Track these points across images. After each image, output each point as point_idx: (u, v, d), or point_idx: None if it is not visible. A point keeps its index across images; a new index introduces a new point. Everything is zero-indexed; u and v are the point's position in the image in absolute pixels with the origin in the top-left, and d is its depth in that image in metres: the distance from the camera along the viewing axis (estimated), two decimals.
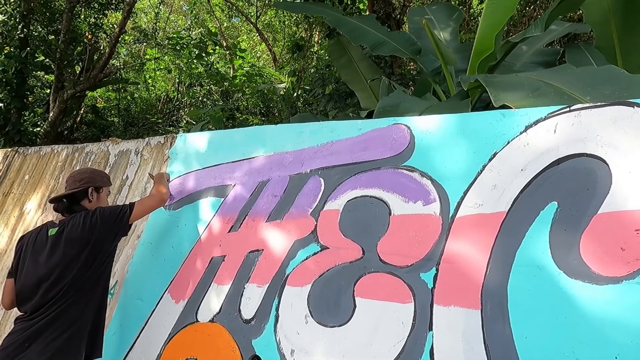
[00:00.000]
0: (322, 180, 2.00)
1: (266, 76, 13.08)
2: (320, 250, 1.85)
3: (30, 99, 10.67)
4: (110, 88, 14.29)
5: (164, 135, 2.89)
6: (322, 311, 1.73)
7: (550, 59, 4.00)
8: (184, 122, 12.87)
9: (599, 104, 1.46)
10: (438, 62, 3.90)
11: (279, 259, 1.95)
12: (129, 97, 15.49)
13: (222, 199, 2.33)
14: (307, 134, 2.17)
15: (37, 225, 3.40)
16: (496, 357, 1.32)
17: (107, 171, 3.12)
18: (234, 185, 2.33)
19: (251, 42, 18.37)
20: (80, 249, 1.95)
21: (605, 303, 1.22)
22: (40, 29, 10.47)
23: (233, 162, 2.40)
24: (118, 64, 14.26)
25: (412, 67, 6.34)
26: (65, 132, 12.37)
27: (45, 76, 11.97)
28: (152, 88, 16.55)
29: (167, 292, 2.28)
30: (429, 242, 1.59)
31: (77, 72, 11.08)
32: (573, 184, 1.39)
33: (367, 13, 8.24)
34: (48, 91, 11.33)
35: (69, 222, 2.01)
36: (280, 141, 2.26)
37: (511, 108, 2.05)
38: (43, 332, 1.83)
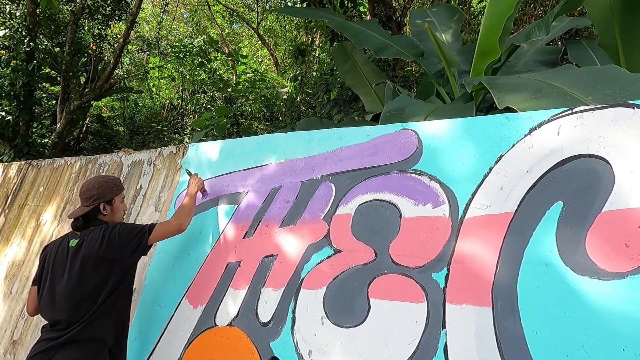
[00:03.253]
0: (333, 186, 2.06)
1: (269, 81, 13.20)
2: (334, 254, 1.91)
3: (37, 110, 10.82)
4: (115, 97, 14.43)
5: (176, 145, 2.97)
6: (337, 312, 1.79)
7: (552, 57, 4.05)
8: (189, 129, 12.99)
9: (600, 105, 1.51)
10: (441, 65, 3.96)
11: (293, 263, 2.01)
12: (133, 106, 15.63)
13: (236, 206, 2.39)
14: (317, 141, 2.23)
15: (54, 236, 3.49)
16: (508, 352, 1.38)
17: None
18: (247, 192, 2.40)
19: (253, 47, 18.51)
20: (97, 264, 1.99)
21: (612, 298, 1.27)
22: (46, 42, 10.63)
23: (245, 169, 2.47)
24: (122, 73, 14.42)
25: (414, 69, 6.40)
26: (72, 143, 12.52)
27: (51, 87, 12.14)
28: (156, 96, 16.70)
29: (184, 298, 2.35)
30: (439, 243, 1.65)
31: (82, 82, 11.23)
32: (577, 184, 1.44)
33: (367, 16, 8.31)
34: (54, 102, 11.49)
35: (89, 234, 2.05)
36: (290, 148, 2.32)
37: (515, 109, 2.11)
38: (66, 344, 1.90)
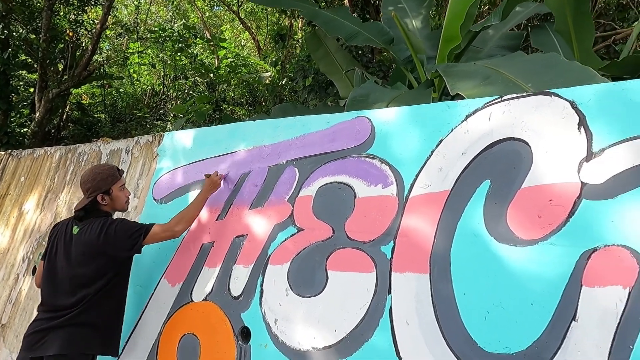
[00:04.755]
0: (296, 170, 2.23)
1: (251, 65, 13.14)
2: (297, 232, 2.09)
3: (14, 99, 10.67)
4: (95, 84, 14.21)
5: (152, 134, 3.09)
6: (299, 284, 1.99)
7: (514, 42, 4.24)
8: (171, 116, 12.93)
9: (524, 94, 1.70)
10: (409, 51, 4.11)
11: (261, 242, 2.19)
12: (114, 93, 15.42)
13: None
14: (282, 128, 2.39)
15: (37, 224, 3.61)
16: (441, 311, 1.58)
17: None
18: None
19: (234, 30, 18.29)
20: (93, 255, 2.12)
21: (526, 261, 1.48)
22: (21, 29, 10.42)
23: (217, 156, 2.62)
24: (101, 59, 14.15)
25: (390, 54, 6.53)
26: (52, 131, 12.39)
27: (28, 75, 11.93)
28: (137, 82, 16.46)
29: (163, 277, 2.52)
30: (387, 219, 1.84)
31: (60, 70, 11.07)
32: (503, 164, 1.64)
33: (346, 1, 8.36)
34: (32, 90, 11.31)
35: (89, 225, 2.16)
36: (258, 136, 2.48)
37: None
38: (58, 327, 2.05)
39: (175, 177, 2.76)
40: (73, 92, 12.34)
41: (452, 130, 1.81)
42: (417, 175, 1.83)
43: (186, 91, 13.34)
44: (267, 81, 10.75)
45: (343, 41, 4.59)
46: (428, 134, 1.87)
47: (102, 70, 12.70)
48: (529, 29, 5.52)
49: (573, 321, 1.34)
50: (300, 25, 11.70)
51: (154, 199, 2.81)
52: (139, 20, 15.36)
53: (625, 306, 1.27)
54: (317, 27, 4.49)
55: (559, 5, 3.55)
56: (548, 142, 1.56)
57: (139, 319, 2.50)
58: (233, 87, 12.01)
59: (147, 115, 13.72)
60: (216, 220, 2.45)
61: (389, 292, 1.73)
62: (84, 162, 3.53)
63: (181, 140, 2.88)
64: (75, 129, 12.96)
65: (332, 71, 4.56)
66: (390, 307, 1.70)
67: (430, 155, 1.82)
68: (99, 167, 2.30)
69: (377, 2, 8.32)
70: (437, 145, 1.82)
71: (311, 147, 2.23)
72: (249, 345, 2.03)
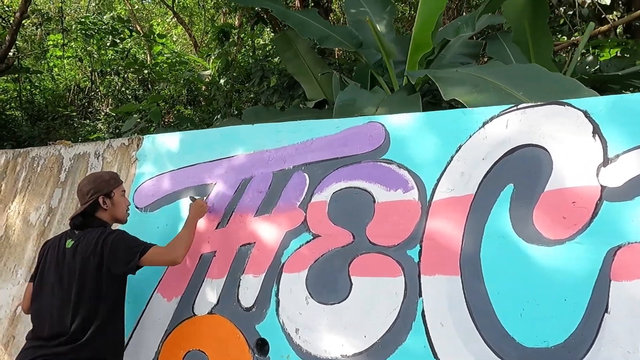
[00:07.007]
0: (306, 175, 2.19)
1: (189, 63, 12.61)
2: (313, 239, 2.06)
3: None
4: (5, 78, 12.70)
5: (128, 137, 2.86)
6: (321, 292, 1.96)
7: (475, 50, 4.52)
8: (102, 114, 12.00)
9: (539, 103, 1.82)
10: (379, 55, 4.21)
11: (272, 249, 2.12)
12: (28, 87, 13.92)
13: (204, 198, 2.42)
14: (285, 133, 2.34)
15: None
16: (476, 311, 1.65)
17: (63, 176, 3.00)
18: (215, 183, 2.43)
19: (166, 25, 17.43)
20: (90, 270, 1.90)
21: (554, 259, 1.59)
22: None
23: (211, 161, 2.48)
24: (15, 51, 12.69)
25: (339, 54, 6.64)
26: None
27: None
28: (59, 77, 14.99)
29: (156, 291, 2.34)
30: (411, 223, 1.87)
31: None
32: (524, 169, 1.75)
33: (295, 1, 8.33)
34: None
35: (85, 237, 1.95)
36: (258, 140, 2.39)
37: (460, 102, 2.40)
38: (55, 355, 1.82)
39: (161, 184, 2.57)
40: None
41: (470, 136, 1.89)
42: (438, 180, 1.89)
43: (118, 89, 12.44)
44: (207, 79, 10.40)
45: (310, 42, 4.59)
46: (446, 140, 1.93)
47: (17, 63, 11.42)
48: (473, 38, 5.93)
49: (606, 313, 1.47)
50: (237, 23, 11.39)
51: (137, 207, 2.60)
52: (62, 10, 14.00)
53: None
54: (287, 28, 4.43)
55: (517, 18, 3.86)
56: (566, 148, 1.69)
57: (130, 339, 2.30)
58: (171, 85, 11.47)
59: (74, 114, 12.61)
60: (216, 228, 2.33)
61: (420, 295, 1.76)
62: (40, 167, 3.17)
63: (165, 143, 2.69)
64: None
65: (300, 72, 4.53)
66: (423, 310, 1.74)
67: (450, 160, 1.89)
68: (98, 172, 2.17)
69: (327, 4, 8.40)
70: (457, 151, 1.89)
71: (321, 152, 2.20)
72: (268, 357, 1.96)
